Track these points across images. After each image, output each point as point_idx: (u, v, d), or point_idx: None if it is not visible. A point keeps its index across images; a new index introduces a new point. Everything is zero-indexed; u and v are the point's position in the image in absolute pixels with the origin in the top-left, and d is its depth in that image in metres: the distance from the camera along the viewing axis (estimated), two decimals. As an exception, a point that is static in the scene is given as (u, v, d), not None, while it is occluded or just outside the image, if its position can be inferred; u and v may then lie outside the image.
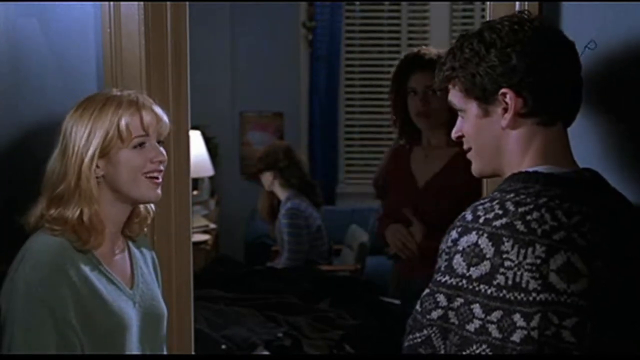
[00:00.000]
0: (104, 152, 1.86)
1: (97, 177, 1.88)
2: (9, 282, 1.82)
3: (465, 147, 1.67)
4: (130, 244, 2.02)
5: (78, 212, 1.86)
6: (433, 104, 2.96)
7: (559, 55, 1.58)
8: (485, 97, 1.58)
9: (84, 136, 1.86)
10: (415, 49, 3.09)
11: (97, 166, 1.87)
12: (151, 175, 1.90)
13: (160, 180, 1.93)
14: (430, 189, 2.98)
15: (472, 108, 1.62)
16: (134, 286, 1.97)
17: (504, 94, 1.56)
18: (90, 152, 1.85)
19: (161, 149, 1.93)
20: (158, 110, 1.94)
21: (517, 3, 2.15)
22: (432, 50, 3.04)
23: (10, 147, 2.25)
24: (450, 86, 1.65)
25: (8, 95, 2.26)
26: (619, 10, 2.14)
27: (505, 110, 1.57)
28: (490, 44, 1.57)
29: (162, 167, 1.92)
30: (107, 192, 1.90)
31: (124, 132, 1.86)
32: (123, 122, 1.86)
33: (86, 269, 1.86)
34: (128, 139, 1.87)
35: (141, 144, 1.89)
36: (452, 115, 1.84)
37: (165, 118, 1.94)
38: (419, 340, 1.53)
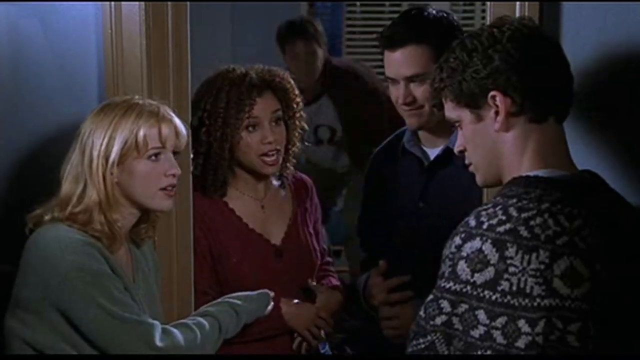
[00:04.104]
0: (121, 160, 1.87)
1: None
2: (51, 273, 1.81)
3: (466, 162, 1.69)
4: (132, 245, 2.03)
5: (102, 217, 1.88)
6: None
7: (540, 51, 1.59)
8: (475, 103, 1.60)
9: (103, 142, 1.87)
10: (234, 67, 2.42)
11: (111, 173, 1.88)
12: (165, 188, 1.92)
13: (173, 192, 1.94)
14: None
15: (465, 116, 1.63)
16: (135, 286, 1.98)
17: (493, 97, 1.58)
18: (110, 159, 1.86)
19: (174, 161, 1.94)
20: (178, 123, 1.95)
21: (517, 3, 2.15)
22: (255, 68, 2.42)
23: (10, 146, 2.26)
24: (443, 100, 1.67)
25: (9, 95, 2.26)
26: (619, 10, 2.14)
27: (497, 113, 1.58)
28: (472, 49, 1.59)
29: (175, 181, 1.93)
30: (120, 198, 1.90)
31: (140, 143, 1.87)
32: (141, 133, 1.87)
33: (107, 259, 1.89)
34: (144, 149, 1.88)
35: (156, 155, 1.90)
36: None
37: (184, 131, 1.96)
38: (423, 346, 1.52)
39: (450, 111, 1.65)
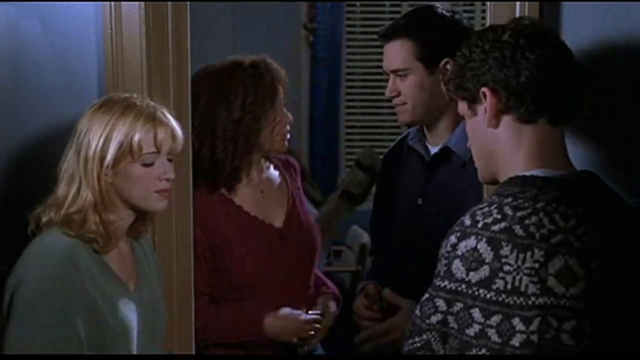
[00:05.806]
0: (115, 163, 1.86)
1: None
2: (15, 279, 1.81)
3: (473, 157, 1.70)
4: (133, 242, 2.03)
5: (97, 217, 1.86)
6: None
7: (536, 54, 1.59)
8: (472, 97, 1.63)
9: (99, 143, 1.85)
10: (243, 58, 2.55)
11: (105, 174, 1.87)
12: (159, 191, 1.91)
13: (167, 194, 1.93)
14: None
15: (465, 110, 1.67)
16: (137, 288, 1.98)
17: (483, 93, 1.60)
18: (105, 161, 1.85)
19: (171, 165, 1.92)
20: (174, 125, 1.93)
21: (518, 3, 2.15)
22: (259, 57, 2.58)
23: (10, 146, 2.26)
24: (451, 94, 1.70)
25: (9, 95, 2.26)
26: (619, 10, 2.14)
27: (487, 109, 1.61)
28: (475, 46, 1.63)
29: (169, 185, 1.92)
30: (115, 199, 1.90)
31: (135, 147, 1.85)
32: (136, 137, 1.85)
33: (96, 271, 1.86)
34: (138, 154, 1.86)
35: (151, 160, 1.88)
36: None
37: (180, 134, 1.93)
38: (419, 344, 1.53)
39: (460, 107, 1.69)
